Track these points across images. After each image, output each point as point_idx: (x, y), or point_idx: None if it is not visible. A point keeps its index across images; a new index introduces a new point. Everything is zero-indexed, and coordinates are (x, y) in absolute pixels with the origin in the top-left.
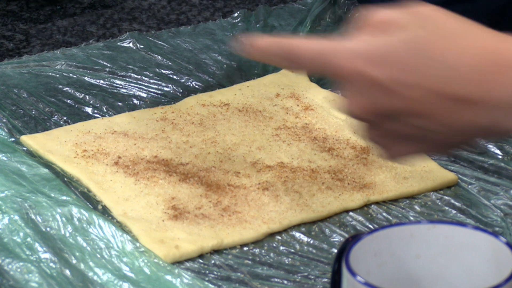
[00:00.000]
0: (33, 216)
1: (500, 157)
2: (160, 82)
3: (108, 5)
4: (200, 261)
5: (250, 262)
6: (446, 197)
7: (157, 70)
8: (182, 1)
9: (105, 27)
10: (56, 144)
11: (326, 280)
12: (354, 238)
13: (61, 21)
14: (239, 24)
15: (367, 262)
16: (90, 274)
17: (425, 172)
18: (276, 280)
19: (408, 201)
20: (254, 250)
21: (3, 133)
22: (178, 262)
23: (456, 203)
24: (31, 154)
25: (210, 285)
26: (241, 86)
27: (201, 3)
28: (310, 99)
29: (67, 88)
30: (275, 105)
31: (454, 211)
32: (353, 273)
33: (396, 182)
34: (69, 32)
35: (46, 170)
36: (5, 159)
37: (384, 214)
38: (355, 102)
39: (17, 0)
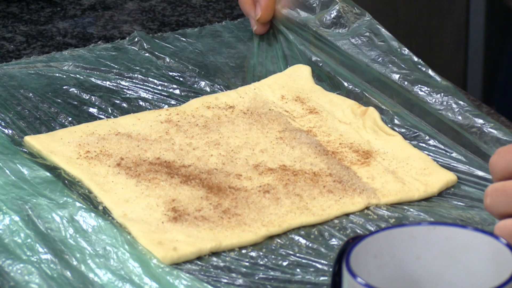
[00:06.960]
0: (33, 218)
1: None
2: (166, 84)
3: (108, 7)
4: (199, 263)
5: (248, 264)
6: (446, 198)
7: (163, 72)
8: (183, 3)
9: (106, 29)
10: (59, 145)
11: (326, 282)
12: (355, 239)
13: (62, 23)
14: (247, 26)
15: (368, 264)
16: (91, 275)
17: (425, 175)
18: (274, 283)
19: (408, 202)
20: (253, 252)
21: (4, 135)
22: (176, 264)
23: (456, 204)
24: (33, 156)
25: (209, 286)
26: (246, 88)
27: (201, 5)
28: (315, 101)
29: (73, 89)
30: (280, 107)
31: (454, 212)
32: (353, 275)
33: (396, 186)
34: (69, 33)
35: (47, 173)
36: (7, 161)
37: (385, 216)
38: None
39: (18, 1)
